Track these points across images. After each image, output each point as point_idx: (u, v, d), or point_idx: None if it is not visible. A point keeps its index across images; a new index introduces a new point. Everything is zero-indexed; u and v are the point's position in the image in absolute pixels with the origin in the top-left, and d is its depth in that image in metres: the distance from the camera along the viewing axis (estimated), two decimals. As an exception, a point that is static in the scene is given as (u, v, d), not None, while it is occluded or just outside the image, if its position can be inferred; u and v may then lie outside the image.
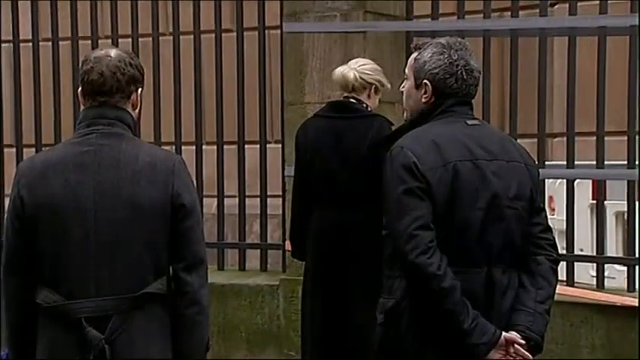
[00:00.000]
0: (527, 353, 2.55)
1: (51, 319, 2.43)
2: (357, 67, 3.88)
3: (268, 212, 5.31)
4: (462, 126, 2.57)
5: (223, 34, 5.30)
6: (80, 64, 2.53)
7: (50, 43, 5.64)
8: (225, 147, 5.34)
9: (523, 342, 2.53)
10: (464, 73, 2.58)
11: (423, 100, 2.62)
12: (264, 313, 5.00)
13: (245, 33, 5.25)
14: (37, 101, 5.68)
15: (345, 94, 3.88)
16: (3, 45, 5.77)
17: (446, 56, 2.59)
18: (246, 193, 5.31)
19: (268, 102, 5.33)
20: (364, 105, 3.87)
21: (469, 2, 4.90)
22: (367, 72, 3.88)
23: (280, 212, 5.18)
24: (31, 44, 5.67)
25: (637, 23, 4.39)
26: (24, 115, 5.74)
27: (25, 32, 5.68)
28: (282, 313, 4.95)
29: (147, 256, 2.44)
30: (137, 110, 2.57)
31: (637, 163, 4.46)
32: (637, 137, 4.47)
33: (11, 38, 5.71)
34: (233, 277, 5.26)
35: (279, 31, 5.09)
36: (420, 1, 5.00)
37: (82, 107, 2.53)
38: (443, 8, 5.01)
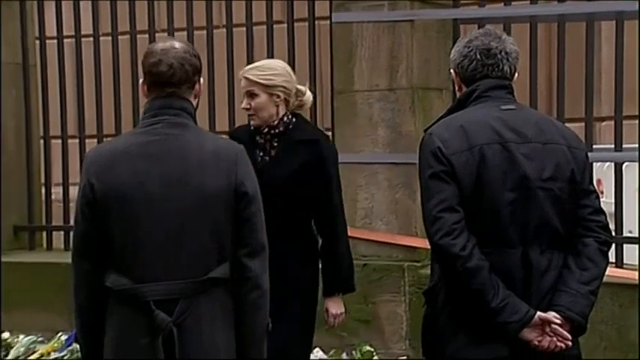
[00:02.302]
0: (565, 333, 2.43)
1: (120, 302, 2.40)
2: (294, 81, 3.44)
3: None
4: (496, 110, 2.49)
5: (274, 26, 5.18)
6: (144, 57, 2.45)
7: (110, 37, 5.58)
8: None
9: (559, 322, 2.42)
10: (477, 53, 2.51)
11: (457, 88, 2.65)
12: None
13: (295, 24, 5.12)
14: (99, 94, 5.63)
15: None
16: (65, 40, 5.75)
17: (463, 43, 2.55)
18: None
19: (318, 91, 5.20)
20: None
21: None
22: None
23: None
24: (92, 39, 5.65)
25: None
26: (86, 107, 5.71)
27: (87, 28, 5.63)
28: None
29: (212, 242, 2.39)
30: (197, 100, 2.50)
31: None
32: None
33: (73, 34, 5.67)
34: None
35: (328, 22, 4.96)
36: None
37: (145, 98, 2.47)
38: (490, -5, 4.87)
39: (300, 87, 3.40)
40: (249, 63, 5.24)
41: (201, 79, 2.51)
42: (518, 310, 2.41)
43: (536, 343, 2.44)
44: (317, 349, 4.60)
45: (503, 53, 2.53)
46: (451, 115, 2.58)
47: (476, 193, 2.43)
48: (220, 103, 5.33)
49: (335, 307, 3.47)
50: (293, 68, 5.17)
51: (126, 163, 2.39)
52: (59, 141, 5.79)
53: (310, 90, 3.48)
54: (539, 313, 2.43)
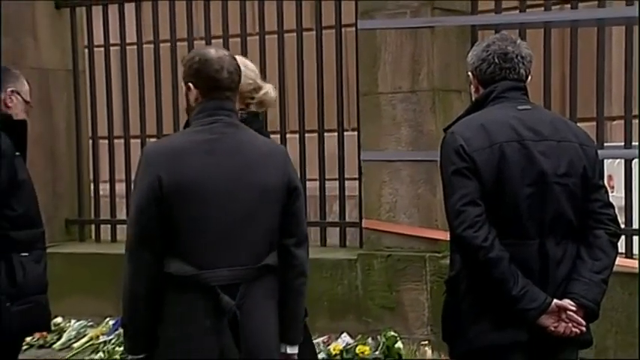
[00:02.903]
0: (580, 319, 2.47)
1: (185, 288, 2.40)
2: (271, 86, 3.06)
3: (346, 194, 5.24)
4: (513, 110, 2.52)
5: (304, 33, 5.24)
6: (195, 63, 2.47)
7: (152, 45, 5.66)
8: (306, 135, 5.28)
9: (574, 309, 2.46)
10: (495, 57, 2.55)
11: (473, 90, 2.63)
12: (343, 285, 4.93)
13: (323, 31, 5.18)
14: (142, 97, 5.73)
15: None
16: (112, 48, 5.84)
17: (481, 48, 2.58)
18: (326, 177, 5.24)
19: (345, 93, 5.24)
20: None
21: (530, -3, 4.75)
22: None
23: (357, 193, 5.09)
24: (135, 47, 5.73)
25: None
26: (130, 109, 5.80)
27: (131, 36, 5.72)
28: (360, 285, 4.87)
29: (267, 232, 2.45)
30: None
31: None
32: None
33: (119, 42, 5.77)
34: (315, 252, 5.15)
35: (354, 29, 5.01)
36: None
37: (190, 100, 2.49)
38: (505, 3, 4.84)
39: (259, 84, 3.01)
40: (280, 67, 5.38)
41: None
42: (537, 297, 2.44)
43: (553, 328, 2.47)
44: (344, 334, 4.67)
45: (519, 57, 2.56)
46: (471, 115, 2.59)
47: (496, 188, 2.45)
48: (254, 105, 5.44)
49: None
50: (321, 72, 5.30)
51: (193, 159, 2.41)
52: (106, 141, 5.88)
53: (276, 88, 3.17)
54: (555, 300, 2.46)
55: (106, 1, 5.79)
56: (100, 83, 5.83)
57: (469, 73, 2.64)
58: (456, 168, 2.46)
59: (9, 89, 3.17)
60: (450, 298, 2.62)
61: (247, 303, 2.42)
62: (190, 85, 2.49)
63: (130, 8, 5.74)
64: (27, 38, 5.77)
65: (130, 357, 2.52)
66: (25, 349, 4.73)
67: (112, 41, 5.79)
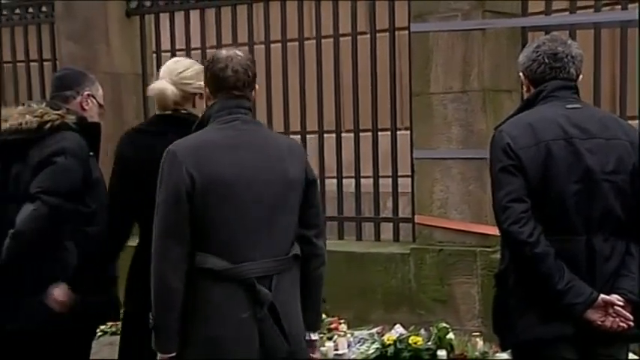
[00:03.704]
0: (627, 314, 2.40)
1: (220, 281, 2.35)
2: (173, 77, 2.83)
3: (399, 190, 5.20)
4: (562, 109, 2.47)
5: (358, 36, 5.21)
6: (208, 64, 2.45)
7: (215, 50, 5.73)
8: (361, 134, 5.24)
9: (622, 303, 2.38)
10: (546, 57, 2.49)
11: (524, 90, 2.63)
12: (397, 278, 4.90)
13: (377, 34, 5.14)
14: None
15: (175, 107, 2.85)
16: (177, 53, 5.89)
17: (532, 48, 2.53)
18: (380, 174, 5.20)
19: (398, 94, 5.20)
20: (196, 118, 2.74)
21: (579, -1, 4.63)
22: (186, 81, 2.82)
23: (410, 190, 5.04)
24: (200, 51, 5.75)
25: None
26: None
27: (195, 42, 5.75)
28: (413, 278, 4.82)
29: (291, 223, 2.44)
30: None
31: None
32: None
33: (184, 47, 5.79)
34: (370, 246, 5.18)
35: (407, 32, 4.97)
36: (535, 0, 4.77)
37: (209, 100, 2.46)
38: (556, 5, 4.72)
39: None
40: (336, 70, 5.37)
41: (257, 86, 2.51)
42: (583, 292, 2.40)
43: (600, 323, 2.41)
44: (398, 325, 4.63)
45: (569, 57, 2.51)
46: (520, 114, 2.57)
47: (543, 185, 2.41)
48: (310, 106, 5.39)
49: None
50: (375, 74, 5.28)
51: (220, 154, 2.37)
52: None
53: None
54: (602, 295, 2.41)
55: (173, 8, 5.86)
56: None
57: (520, 74, 2.60)
58: (502, 165, 2.44)
59: (85, 93, 3.21)
60: (499, 291, 2.59)
61: (280, 294, 2.40)
62: (204, 85, 2.49)
63: (194, 15, 5.78)
64: (100, 45, 5.87)
65: (159, 356, 2.42)
66: (99, 336, 4.81)
67: (177, 46, 5.84)
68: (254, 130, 2.45)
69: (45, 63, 6.27)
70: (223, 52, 2.47)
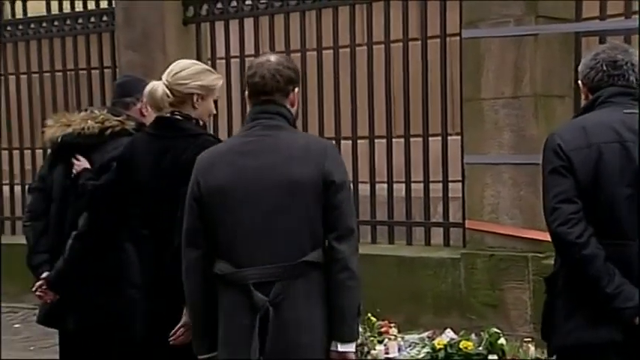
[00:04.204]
0: None
1: (226, 285, 2.36)
2: (169, 79, 2.73)
3: (450, 195, 5.11)
4: (618, 114, 2.40)
5: (410, 42, 5.15)
6: (246, 71, 2.46)
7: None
8: (411, 139, 5.17)
9: None
10: (604, 65, 2.43)
11: (583, 97, 2.52)
12: (447, 282, 4.82)
13: (428, 40, 5.06)
14: (243, 104, 5.81)
15: (171, 109, 2.76)
16: (232, 60, 5.90)
17: (590, 56, 2.47)
18: (431, 179, 5.12)
19: (449, 99, 5.10)
20: (193, 120, 2.76)
21: (637, 2, 4.49)
22: (181, 81, 2.72)
23: (460, 195, 4.95)
24: (253, 58, 5.81)
25: None
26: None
27: (249, 49, 5.74)
28: (463, 282, 4.73)
29: (303, 227, 2.33)
30: (295, 107, 2.46)
31: None
32: None
33: (238, 54, 5.80)
34: (420, 251, 5.10)
35: (458, 38, 4.90)
36: (589, 2, 4.64)
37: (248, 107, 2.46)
38: (611, 9, 4.57)
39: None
40: (387, 76, 5.32)
41: (296, 89, 2.44)
42: (633, 297, 2.32)
43: None
44: (448, 329, 4.56)
45: (629, 64, 2.45)
46: (575, 119, 2.53)
47: (594, 188, 2.35)
48: (361, 111, 5.35)
49: None
50: (426, 79, 5.22)
51: (225, 161, 2.37)
52: (226, 146, 6.01)
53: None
54: None
55: (228, 17, 5.88)
56: (222, 92, 5.89)
57: (579, 82, 2.53)
58: (553, 167, 2.38)
59: (145, 100, 3.25)
60: (548, 295, 2.51)
61: (287, 301, 2.30)
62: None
63: (248, 23, 5.79)
64: (157, 53, 5.92)
65: (199, 357, 2.45)
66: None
67: (232, 54, 5.85)
68: (270, 135, 2.38)
69: (105, 70, 6.37)
70: (259, 58, 2.47)
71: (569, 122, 2.50)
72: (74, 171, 3.11)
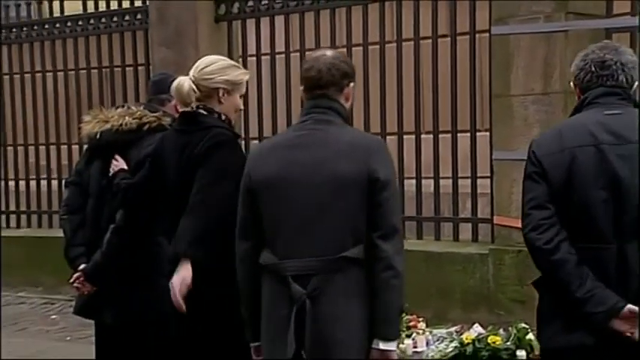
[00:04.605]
0: None
1: (269, 276, 2.38)
2: (195, 74, 2.77)
3: (478, 191, 5.09)
4: (599, 115, 2.34)
5: (439, 39, 5.12)
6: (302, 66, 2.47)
7: (298, 53, 5.64)
8: (440, 135, 5.15)
9: None
10: (593, 65, 2.38)
11: (577, 98, 2.47)
12: (476, 278, 4.80)
13: (457, 37, 5.04)
14: (288, 102, 5.75)
15: (197, 104, 2.79)
16: (262, 57, 5.91)
17: (580, 57, 2.43)
18: (459, 175, 5.11)
19: (478, 96, 5.08)
20: (216, 114, 2.78)
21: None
22: (207, 76, 2.75)
23: (489, 191, 4.92)
24: (283, 56, 5.77)
25: None
26: (278, 114, 5.85)
27: (280, 46, 5.77)
28: (491, 278, 4.71)
29: (346, 224, 2.32)
30: (349, 102, 2.45)
31: None
32: None
33: (269, 51, 5.84)
34: (448, 246, 5.09)
35: (487, 35, 4.87)
36: (620, 1, 4.59)
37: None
38: (642, 4, 4.57)
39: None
40: (416, 73, 5.31)
41: (352, 84, 2.43)
42: (605, 301, 2.25)
43: (630, 334, 2.26)
44: (476, 324, 4.54)
45: (618, 64, 2.39)
46: (559, 123, 2.51)
47: (567, 192, 2.30)
48: (390, 107, 5.35)
49: None
50: (455, 76, 5.20)
51: (274, 154, 2.39)
52: (257, 142, 5.99)
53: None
54: (629, 305, 2.25)
55: (259, 15, 5.90)
56: (252, 90, 5.93)
57: (571, 83, 2.49)
58: (526, 173, 2.37)
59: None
60: (538, 301, 2.49)
61: (324, 295, 2.29)
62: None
63: (279, 21, 5.81)
64: (190, 50, 5.96)
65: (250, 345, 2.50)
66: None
67: (263, 51, 5.87)
68: (320, 130, 2.38)
69: (139, 68, 6.44)
70: (315, 52, 2.49)
71: (553, 126, 2.48)
72: (111, 170, 3.17)
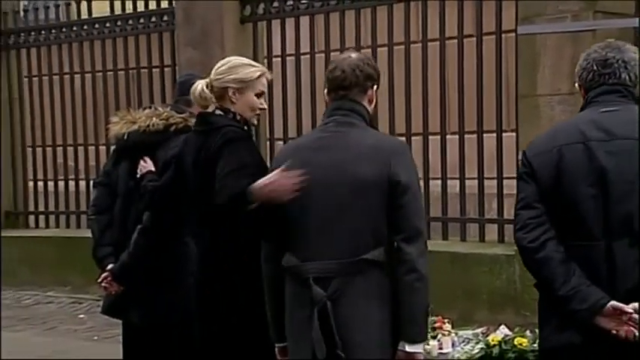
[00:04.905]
0: None
1: (291, 278, 2.40)
2: (211, 75, 2.79)
3: (505, 192, 5.04)
4: (594, 113, 2.33)
5: (465, 39, 5.11)
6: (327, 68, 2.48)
7: (323, 54, 5.67)
8: (465, 136, 5.14)
9: (631, 311, 2.18)
10: (594, 64, 2.37)
11: (582, 99, 2.45)
12: (502, 279, 4.77)
13: (483, 37, 5.03)
14: (313, 102, 5.76)
15: (215, 105, 2.80)
16: (287, 58, 5.93)
17: (583, 57, 2.42)
18: (485, 175, 5.10)
19: (504, 96, 5.07)
20: (231, 114, 2.77)
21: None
22: (217, 76, 2.76)
23: (515, 192, 4.96)
24: (308, 56, 5.78)
25: None
26: (303, 114, 5.87)
27: (305, 47, 5.79)
28: (518, 279, 4.68)
29: (366, 226, 2.33)
30: (372, 105, 2.46)
31: None
32: None
33: (294, 52, 5.86)
34: (474, 247, 5.07)
35: (513, 34, 4.84)
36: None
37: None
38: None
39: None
40: (441, 73, 5.30)
41: (375, 87, 2.44)
42: (589, 298, 2.23)
43: (615, 332, 2.23)
44: (502, 326, 4.53)
45: (620, 62, 2.36)
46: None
47: (556, 190, 2.29)
48: (415, 108, 5.35)
49: None
50: (481, 76, 5.19)
51: (297, 156, 2.41)
52: (281, 142, 5.98)
53: None
54: (612, 302, 2.22)
55: (284, 15, 5.93)
56: (277, 91, 5.95)
57: (576, 84, 2.46)
58: (518, 174, 2.38)
59: None
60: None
61: (346, 298, 2.31)
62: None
63: (304, 21, 5.83)
64: (216, 50, 6.00)
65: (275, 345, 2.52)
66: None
67: (288, 52, 5.89)
68: (342, 132, 2.39)
69: (165, 69, 6.50)
70: (340, 55, 2.52)
71: (551, 126, 2.48)
72: (139, 172, 3.22)
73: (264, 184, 2.44)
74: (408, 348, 2.35)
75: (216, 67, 2.81)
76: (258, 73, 2.79)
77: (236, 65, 2.78)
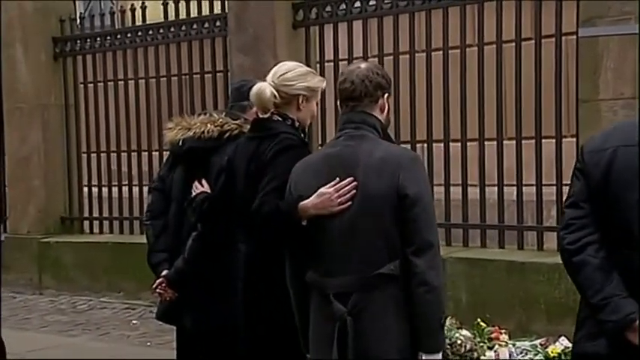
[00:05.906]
0: None
1: (314, 293, 2.49)
2: (275, 80, 2.78)
3: (564, 199, 5.02)
4: None
5: (523, 42, 5.05)
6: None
7: (377, 58, 5.66)
8: (523, 142, 5.07)
9: None
10: None
11: None
12: (561, 289, 4.69)
13: (542, 40, 4.96)
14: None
15: (273, 110, 2.83)
16: (340, 63, 5.92)
17: None
18: (544, 182, 5.02)
19: (564, 101, 4.99)
20: (289, 121, 2.81)
21: None
22: (288, 82, 2.78)
23: (576, 199, 4.88)
24: (346, 63, 5.87)
25: None
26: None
27: (358, 51, 5.79)
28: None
29: (380, 240, 2.38)
30: (385, 113, 2.48)
31: None
32: None
33: (347, 57, 5.84)
34: (532, 256, 4.99)
35: (574, 37, 4.78)
36: None
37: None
38: None
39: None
40: (498, 77, 5.25)
41: (387, 95, 2.47)
42: (620, 310, 2.17)
43: None
44: (562, 337, 4.45)
45: None
46: None
47: (604, 191, 2.23)
48: (471, 113, 5.30)
49: None
50: (539, 80, 5.12)
51: (312, 170, 2.49)
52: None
53: None
54: None
55: (337, 20, 5.94)
56: (330, 96, 5.97)
57: None
58: (574, 169, 2.33)
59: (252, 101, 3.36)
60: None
61: (366, 313, 2.37)
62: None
63: (357, 26, 5.84)
64: (268, 56, 6.05)
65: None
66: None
67: (340, 56, 5.89)
68: (352, 146, 2.45)
69: (217, 75, 6.60)
70: (349, 66, 2.56)
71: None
72: (193, 191, 3.24)
73: (312, 205, 2.48)
74: (425, 357, 2.42)
75: (279, 72, 2.81)
76: (324, 83, 2.89)
77: (305, 73, 2.84)
